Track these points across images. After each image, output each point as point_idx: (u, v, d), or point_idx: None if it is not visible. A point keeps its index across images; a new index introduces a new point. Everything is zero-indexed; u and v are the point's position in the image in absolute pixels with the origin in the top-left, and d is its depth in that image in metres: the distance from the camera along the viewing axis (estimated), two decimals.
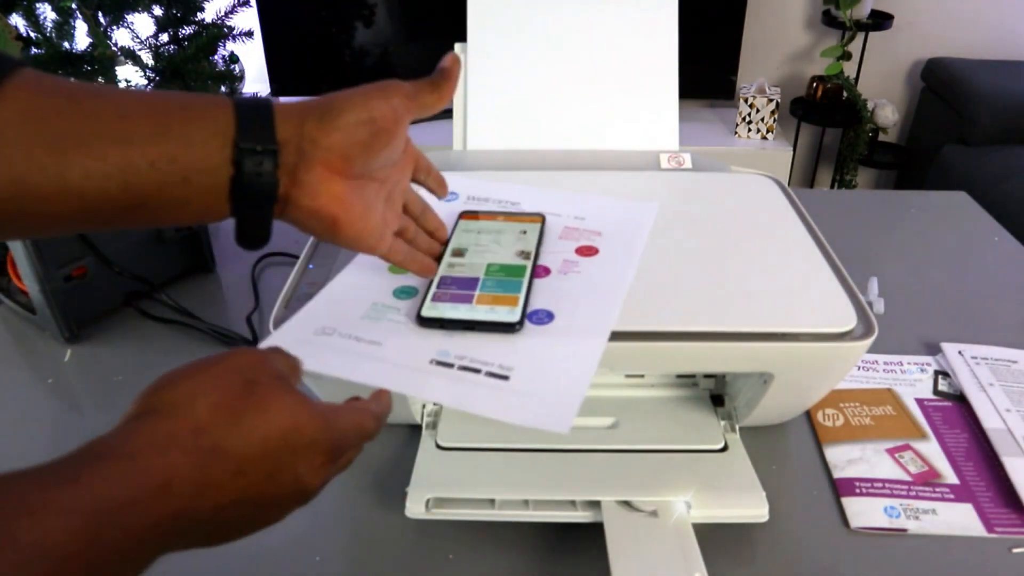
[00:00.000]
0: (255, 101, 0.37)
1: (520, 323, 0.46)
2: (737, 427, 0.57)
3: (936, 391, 0.65)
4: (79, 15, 1.38)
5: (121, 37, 1.49)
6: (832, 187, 2.41)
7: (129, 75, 1.49)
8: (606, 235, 0.56)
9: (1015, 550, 0.51)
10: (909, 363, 0.68)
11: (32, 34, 1.37)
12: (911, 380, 0.66)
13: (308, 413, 0.32)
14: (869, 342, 0.48)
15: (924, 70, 2.27)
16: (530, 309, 0.47)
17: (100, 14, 1.44)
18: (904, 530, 0.52)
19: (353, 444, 0.36)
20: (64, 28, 1.38)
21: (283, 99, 0.39)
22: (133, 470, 0.27)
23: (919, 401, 0.64)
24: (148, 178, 0.34)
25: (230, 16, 1.63)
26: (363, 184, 0.41)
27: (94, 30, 1.38)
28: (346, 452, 0.35)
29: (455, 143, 0.74)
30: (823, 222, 0.60)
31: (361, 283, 0.51)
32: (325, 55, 2.20)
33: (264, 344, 0.40)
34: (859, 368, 0.67)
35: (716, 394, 0.60)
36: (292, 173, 0.37)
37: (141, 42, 1.53)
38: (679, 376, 0.60)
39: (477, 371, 0.42)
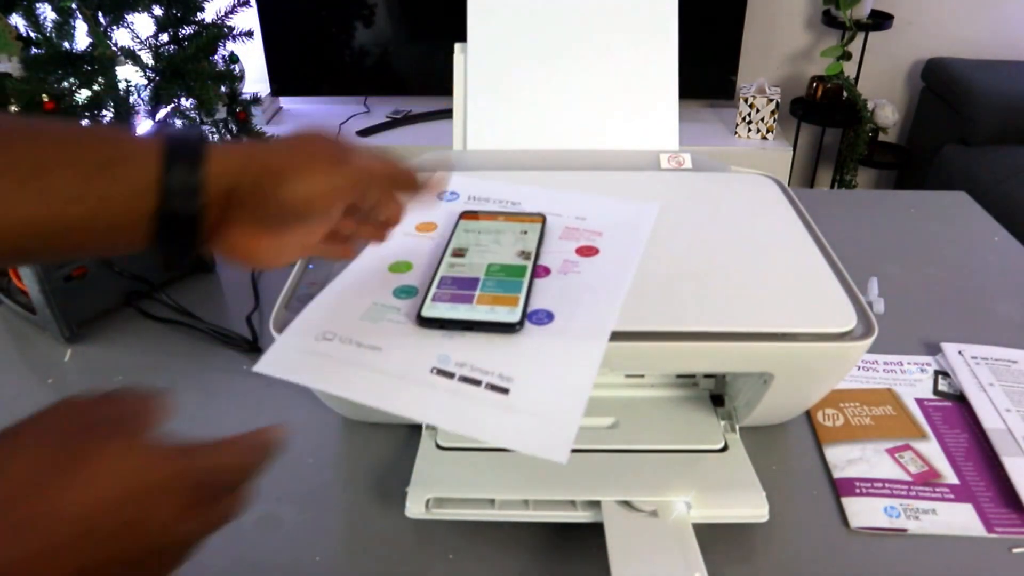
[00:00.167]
0: (187, 148, 0.36)
1: (520, 323, 0.46)
2: (737, 427, 0.57)
3: (936, 391, 0.65)
4: (79, 15, 1.38)
5: (121, 37, 1.50)
6: (832, 187, 2.41)
7: (129, 75, 1.49)
8: (607, 235, 0.56)
9: (1015, 550, 0.51)
10: (909, 363, 0.68)
11: (32, 34, 1.37)
12: (911, 380, 0.66)
13: (151, 456, 0.29)
14: (869, 342, 0.48)
15: (924, 70, 2.27)
16: (530, 309, 0.47)
17: (100, 14, 1.44)
18: (904, 530, 0.52)
19: (229, 482, 0.32)
20: (64, 28, 1.38)
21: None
22: None
23: (919, 401, 0.64)
24: (64, 234, 0.34)
25: (230, 16, 1.63)
26: (282, 232, 0.39)
27: (94, 30, 1.38)
28: (221, 492, 0.32)
29: (455, 143, 0.74)
30: (823, 222, 0.60)
31: (361, 283, 0.51)
32: (325, 55, 2.20)
33: (273, 345, 0.40)
34: (859, 368, 0.67)
35: (716, 394, 0.60)
36: (213, 227, 0.37)
37: (141, 42, 1.53)
38: (679, 376, 0.60)
39: (477, 383, 0.42)
